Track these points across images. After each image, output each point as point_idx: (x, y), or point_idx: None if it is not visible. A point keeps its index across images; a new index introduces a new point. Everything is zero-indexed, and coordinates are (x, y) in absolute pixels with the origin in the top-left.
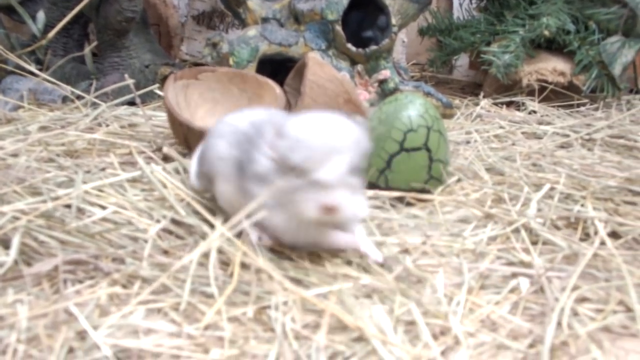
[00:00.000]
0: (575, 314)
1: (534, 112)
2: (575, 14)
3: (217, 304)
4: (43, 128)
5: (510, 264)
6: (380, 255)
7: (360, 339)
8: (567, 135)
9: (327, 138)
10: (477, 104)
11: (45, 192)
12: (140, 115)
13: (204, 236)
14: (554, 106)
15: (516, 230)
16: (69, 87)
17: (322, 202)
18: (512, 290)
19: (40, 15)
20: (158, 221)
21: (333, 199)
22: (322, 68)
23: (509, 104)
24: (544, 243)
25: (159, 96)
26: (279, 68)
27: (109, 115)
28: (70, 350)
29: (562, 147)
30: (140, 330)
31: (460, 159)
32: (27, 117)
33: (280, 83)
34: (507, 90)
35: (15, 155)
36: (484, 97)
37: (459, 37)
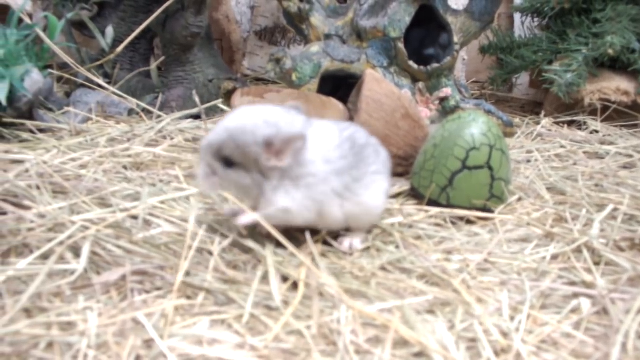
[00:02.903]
0: None
1: (596, 131)
2: None
3: (285, 317)
4: (111, 140)
5: (572, 283)
6: (350, 247)
7: (422, 354)
8: (631, 156)
9: (220, 122)
10: (537, 123)
11: (114, 204)
12: (204, 129)
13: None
14: (616, 126)
15: (578, 250)
16: (134, 100)
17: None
18: (573, 311)
19: (109, 31)
20: (223, 235)
21: (196, 169)
22: (379, 84)
23: (570, 123)
24: (607, 264)
25: (222, 110)
26: (340, 84)
27: (173, 128)
28: (138, 357)
29: (625, 167)
30: (205, 340)
31: (521, 178)
32: (96, 130)
33: (341, 100)
34: (569, 109)
35: (84, 166)
36: (545, 116)
37: (520, 56)
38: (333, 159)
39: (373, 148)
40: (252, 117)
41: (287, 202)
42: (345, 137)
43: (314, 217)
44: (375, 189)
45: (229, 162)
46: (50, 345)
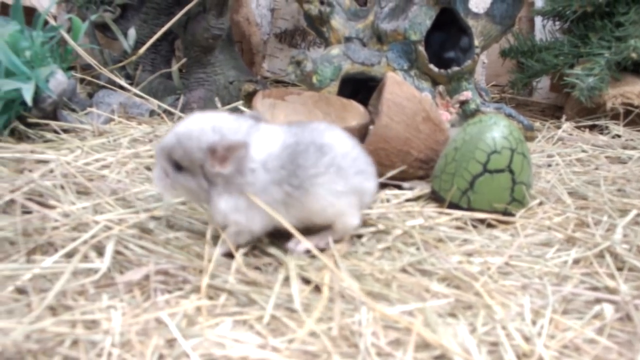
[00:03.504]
0: None
1: (618, 136)
2: None
3: (309, 321)
4: (133, 141)
5: (595, 289)
6: (304, 247)
7: (443, 357)
8: None
9: (175, 126)
10: (558, 127)
11: (137, 205)
12: None
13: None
14: (639, 130)
15: (600, 255)
16: (156, 102)
17: None
18: (595, 316)
19: (132, 33)
20: None
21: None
22: (400, 87)
23: (591, 128)
24: (630, 269)
25: (243, 112)
26: (360, 87)
27: None
28: (161, 356)
29: None
30: (227, 341)
31: (542, 182)
32: (118, 130)
33: (361, 103)
34: (590, 113)
35: (107, 167)
36: (566, 120)
37: (541, 59)
38: (273, 169)
39: (315, 148)
40: (200, 123)
41: (230, 209)
42: (287, 144)
43: (269, 222)
44: (317, 193)
45: (178, 166)
46: (75, 342)
